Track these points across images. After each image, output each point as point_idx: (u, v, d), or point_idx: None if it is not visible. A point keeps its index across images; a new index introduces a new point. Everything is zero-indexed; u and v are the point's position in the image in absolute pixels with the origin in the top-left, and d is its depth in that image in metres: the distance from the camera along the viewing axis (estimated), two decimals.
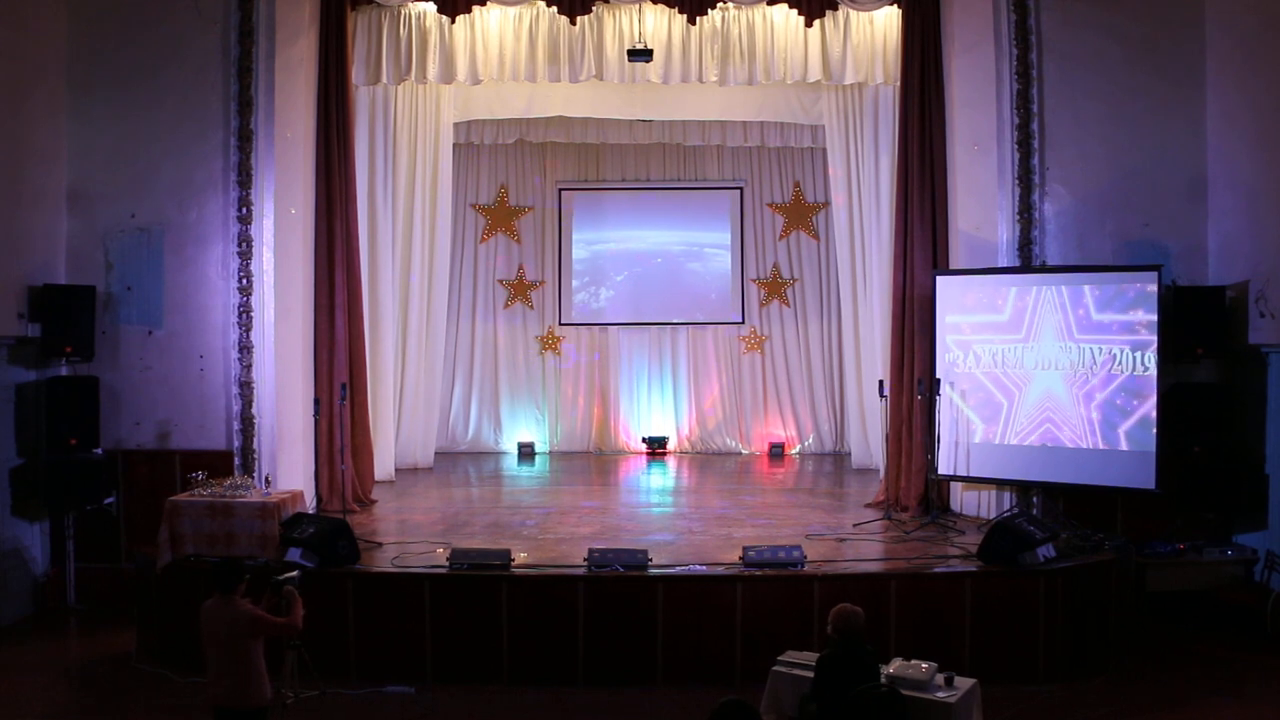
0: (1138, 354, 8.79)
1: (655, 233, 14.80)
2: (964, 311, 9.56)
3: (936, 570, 7.90)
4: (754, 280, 14.79)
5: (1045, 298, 9.17)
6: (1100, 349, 8.93)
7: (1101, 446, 8.92)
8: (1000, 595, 7.69)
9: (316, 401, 9.78)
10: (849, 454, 13.41)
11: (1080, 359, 9.04)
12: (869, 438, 12.62)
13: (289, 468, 9.77)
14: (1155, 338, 8.73)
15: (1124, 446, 8.85)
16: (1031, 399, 9.25)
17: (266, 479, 9.06)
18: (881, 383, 10.20)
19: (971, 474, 9.58)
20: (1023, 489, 9.45)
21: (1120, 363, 8.87)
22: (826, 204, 14.20)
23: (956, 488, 10.06)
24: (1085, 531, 8.60)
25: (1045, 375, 9.19)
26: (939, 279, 9.70)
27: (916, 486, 9.93)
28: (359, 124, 11.13)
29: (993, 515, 9.29)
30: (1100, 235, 9.43)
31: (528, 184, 14.86)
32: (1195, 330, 8.99)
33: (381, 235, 11.83)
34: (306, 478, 9.94)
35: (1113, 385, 8.90)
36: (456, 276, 14.45)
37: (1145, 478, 8.72)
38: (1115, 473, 8.83)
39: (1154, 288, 8.74)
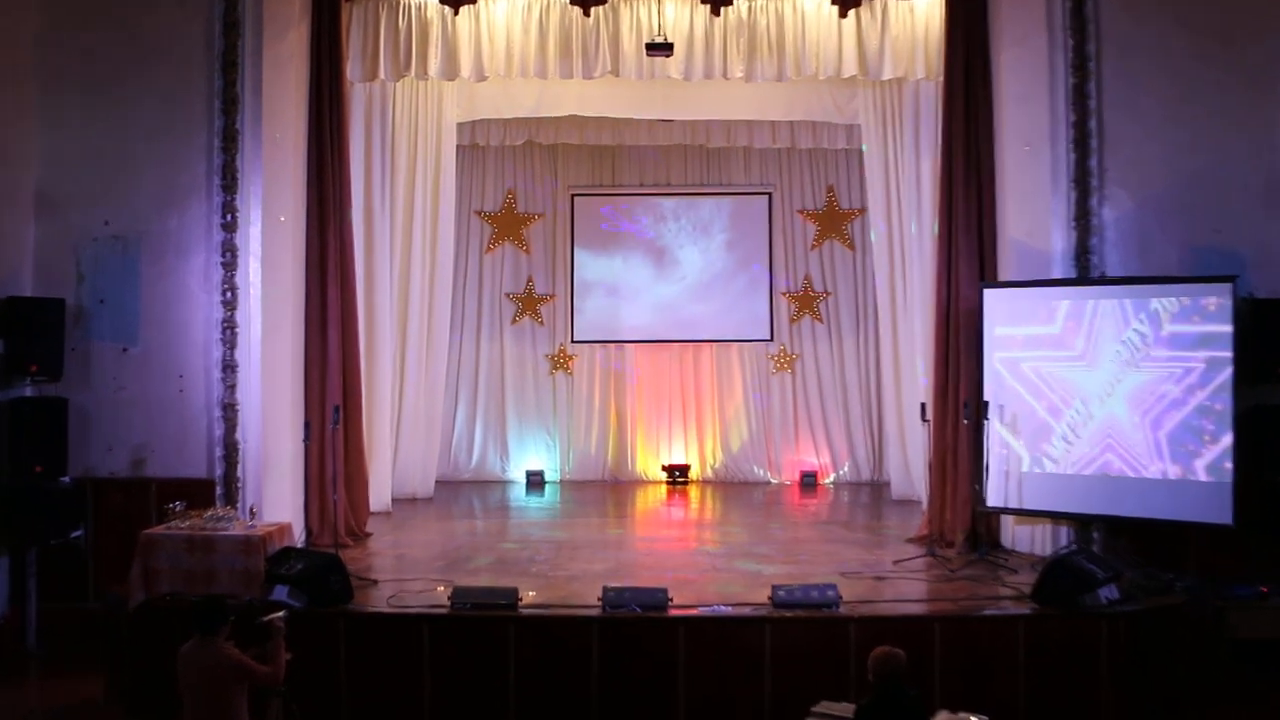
0: (1211, 374, 8.66)
1: (676, 241, 14.82)
2: (1014, 327, 9.52)
3: (986, 613, 7.84)
4: (784, 293, 14.78)
5: (1105, 312, 9.08)
6: (1168, 369, 8.82)
7: (1170, 476, 8.80)
8: (1057, 641, 7.60)
9: (307, 425, 9.76)
10: (888, 484, 13.35)
11: (1146, 380, 8.94)
12: (910, 466, 12.53)
13: (276, 498, 9.74)
14: (1230, 355, 8.59)
15: (1196, 476, 8.72)
16: (1091, 424, 9.16)
17: (251, 510, 9.01)
18: (923, 406, 10.12)
19: (1024, 506, 9.49)
20: (1082, 523, 9.34)
21: (1191, 384, 8.75)
22: (863, 210, 14.19)
23: (1007, 521, 10.00)
24: (1152, 570, 8.49)
25: (1106, 398, 9.10)
26: (987, 292, 9.68)
27: (963, 520, 9.86)
28: (354, 124, 11.16)
29: (1048, 552, 9.22)
30: (1165, 243, 9.33)
31: (537, 189, 14.91)
32: (1276, 347, 8.84)
33: (378, 244, 11.85)
34: (295, 509, 9.92)
35: (1183, 409, 8.77)
36: (460, 289, 14.48)
37: (1220, 511, 8.56)
38: (1186, 505, 8.68)
39: (1228, 300, 8.62)
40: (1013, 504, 9.54)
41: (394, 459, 12.64)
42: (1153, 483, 8.86)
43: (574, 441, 14.72)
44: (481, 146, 14.30)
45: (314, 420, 9.99)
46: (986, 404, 9.48)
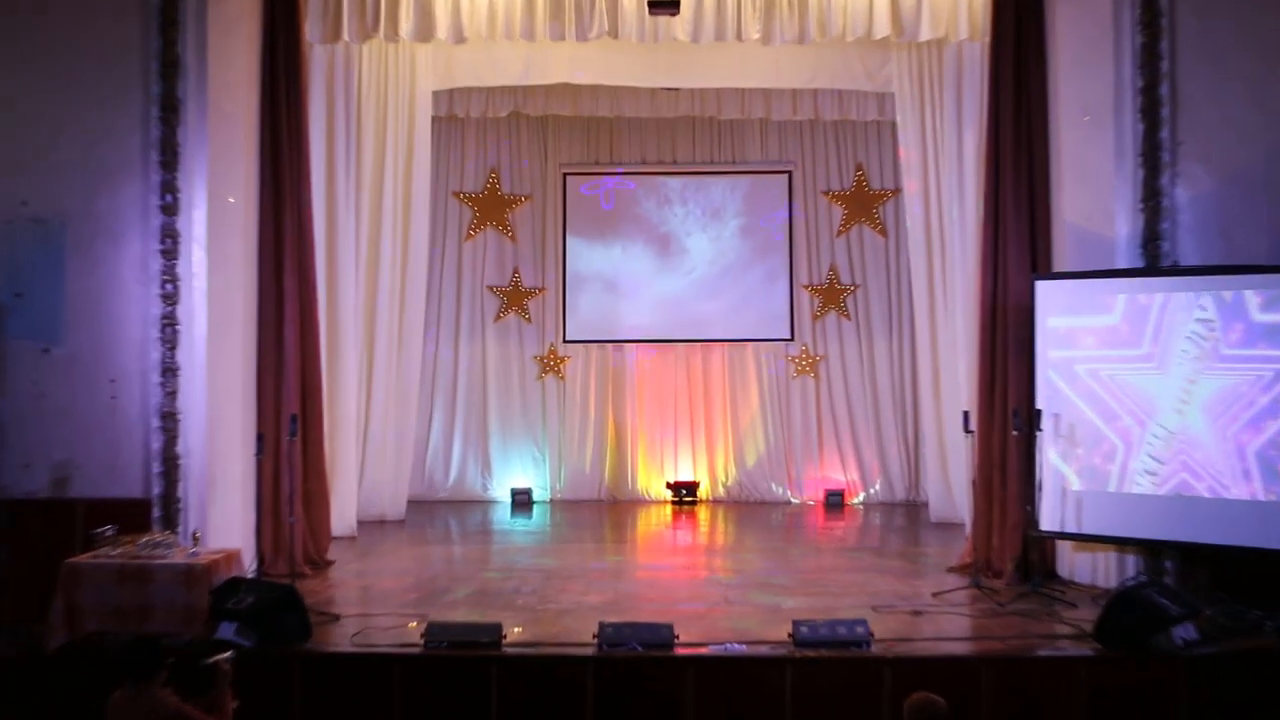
0: None
1: (683, 227, 14.86)
2: (1071, 324, 9.47)
3: (1041, 654, 7.78)
4: (806, 287, 14.84)
5: (1179, 307, 8.98)
6: (1256, 373, 8.68)
7: (1261, 498, 8.66)
8: (1124, 688, 7.51)
9: (259, 438, 9.62)
10: (925, 504, 13.43)
11: (1228, 386, 8.80)
12: (951, 484, 12.63)
13: (223, 521, 9.73)
14: None
15: None
16: (1163, 436, 9.07)
17: (194, 535, 8.92)
18: (966, 415, 10.05)
19: (1084, 530, 9.43)
20: (1152, 551, 9.25)
21: None
22: (896, 191, 14.29)
23: (1065, 548, 9.98)
24: (1237, 607, 8.39)
25: (1181, 406, 8.99)
26: (1039, 284, 9.64)
27: (1012, 546, 9.83)
28: (314, 93, 11.19)
29: (1113, 584, 9.19)
30: (1252, 227, 9.16)
31: (524, 168, 14.97)
32: None
33: (342, 231, 11.87)
34: (245, 533, 9.83)
35: (1275, 419, 8.63)
36: (436, 282, 14.58)
37: None
38: (1278, 532, 8.58)
39: None
40: (1070, 528, 9.46)
41: (360, 476, 12.67)
42: (1238, 505, 8.73)
43: (566, 456, 14.79)
44: (460, 119, 14.35)
45: (268, 432, 9.94)
46: (1039, 412, 9.45)
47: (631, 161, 14.83)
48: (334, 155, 11.75)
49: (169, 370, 9.41)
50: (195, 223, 9.52)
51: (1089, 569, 9.78)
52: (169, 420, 9.38)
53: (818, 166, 14.84)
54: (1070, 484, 9.42)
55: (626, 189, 14.80)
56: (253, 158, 10.19)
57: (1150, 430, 9.12)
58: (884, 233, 14.72)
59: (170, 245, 9.44)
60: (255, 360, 10.26)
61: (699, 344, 14.86)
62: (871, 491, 14.55)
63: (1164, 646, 7.62)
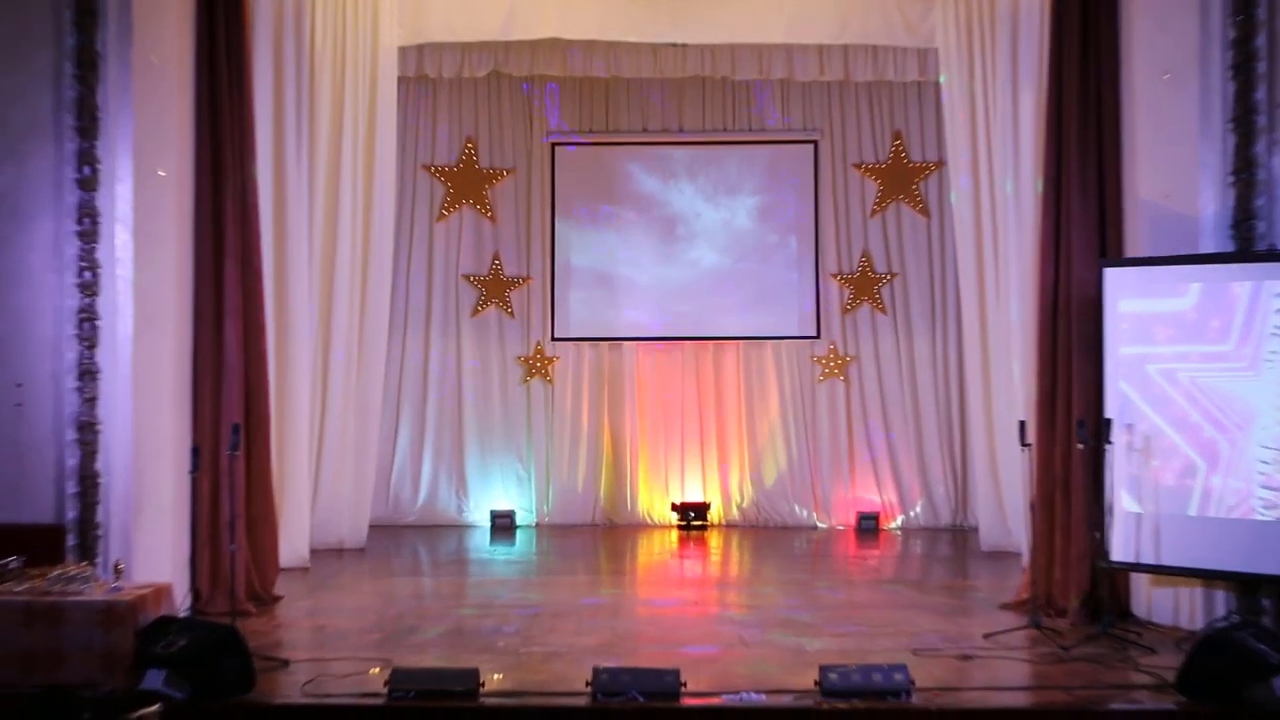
0: None
1: (691, 206, 14.80)
2: (1145, 319, 9.41)
3: (1114, 707, 7.62)
4: (835, 276, 14.83)
5: (1275, 298, 8.83)
6: None
7: None
8: None
9: (195, 452, 9.42)
10: (975, 530, 13.48)
11: None
12: (1005, 505, 12.62)
13: (151, 550, 9.62)
14: None
15: None
16: (1258, 451, 8.90)
17: (116, 567, 8.68)
18: (1022, 425, 9.91)
19: (1163, 562, 9.32)
20: (1246, 586, 9.08)
21: None
22: (940, 164, 14.33)
23: (1140, 582, 9.88)
24: None
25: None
26: (1108, 272, 9.58)
27: (1078, 579, 9.75)
28: (259, 47, 11.12)
29: (1199, 625, 9.11)
30: None
31: (506, 137, 15.00)
32: None
33: (293, 210, 11.82)
34: (177, 564, 9.71)
35: None
36: (403, 270, 14.62)
37: None
38: None
39: None
40: (1147, 558, 9.38)
41: (314, 496, 12.72)
42: None
43: (555, 472, 14.83)
44: (432, 79, 14.37)
45: (205, 445, 9.86)
46: (1109, 422, 9.40)
47: (631, 130, 14.82)
48: (283, 121, 11.67)
49: (87, 373, 9.29)
50: (119, 199, 9.40)
51: (1170, 607, 9.66)
52: (87, 432, 9.25)
53: (848, 135, 14.82)
54: (1146, 507, 9.34)
55: (626, 161, 14.82)
56: (187, 124, 10.12)
57: (1246, 443, 8.97)
58: (925, 212, 14.68)
59: (89, 226, 9.31)
60: (190, 361, 10.20)
61: (709, 342, 14.88)
62: (911, 515, 14.55)
63: (1262, 699, 7.43)
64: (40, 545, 8.80)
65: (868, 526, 14.30)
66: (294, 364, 11.93)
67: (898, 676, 7.60)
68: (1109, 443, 9.35)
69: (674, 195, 14.91)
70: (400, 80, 13.05)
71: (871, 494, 14.65)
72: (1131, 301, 9.43)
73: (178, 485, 9.80)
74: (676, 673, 7.67)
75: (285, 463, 11.69)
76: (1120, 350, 9.49)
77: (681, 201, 14.90)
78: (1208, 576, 9.25)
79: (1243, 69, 9.14)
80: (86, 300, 9.30)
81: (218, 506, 10.06)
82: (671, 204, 14.88)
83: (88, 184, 9.29)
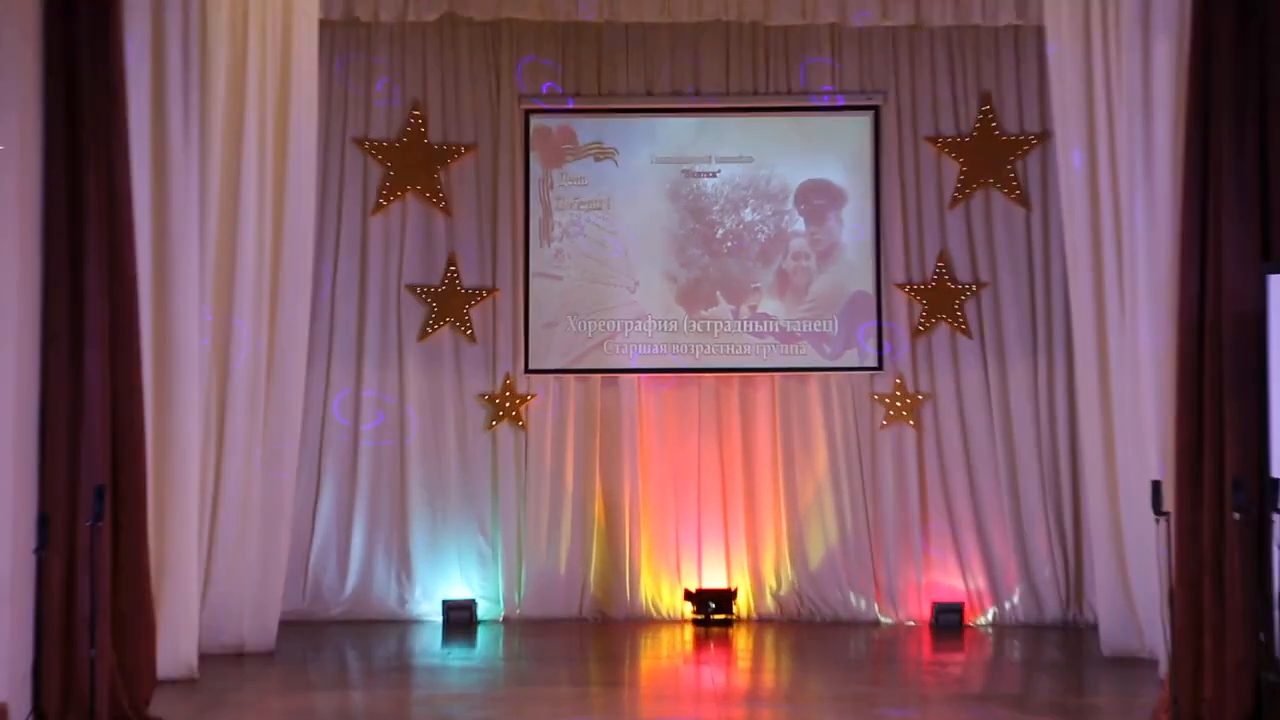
0: None
1: (709, 195, 13.44)
2: None
3: None
4: (903, 286, 13.43)
5: None
6: None
7: None
8: None
9: (43, 522, 8.84)
10: (1094, 627, 12.17)
11: None
12: (1134, 595, 11.35)
13: None
14: None
15: None
16: None
17: None
18: (1157, 487, 9.28)
19: None
20: None
21: None
22: (1043, 137, 12.98)
23: None
24: None
25: None
26: (1273, 281, 9.08)
27: (1237, 695, 8.93)
28: None
29: None
30: None
31: (466, 101, 13.61)
32: None
33: (178, 200, 10.80)
34: (16, 677, 8.98)
35: None
36: (326, 281, 13.28)
37: None
38: None
39: None
40: None
41: (205, 582, 11.54)
42: None
43: (530, 549, 13.42)
44: (366, 25, 13.09)
45: (57, 513, 9.14)
46: (1277, 483, 8.86)
47: (632, 94, 13.35)
48: (165, 83, 10.64)
49: None
50: None
51: None
52: None
53: (920, 99, 13.28)
54: None
55: (625, 134, 13.51)
56: (32, 86, 9.36)
57: None
58: (1024, 202, 13.05)
59: None
60: (36, 400, 9.40)
61: (734, 375, 13.34)
62: (1007, 607, 12.91)
63: None
64: None
65: (948, 622, 12.84)
66: (179, 405, 10.83)
67: None
68: (1277, 511, 8.84)
69: (688, 180, 13.44)
70: (323, 26, 11.95)
71: (952, 578, 13.02)
72: None
73: (16, 568, 9.14)
74: None
75: (166, 537, 10.68)
76: None
77: (697, 189, 13.40)
78: None
79: None
80: None
81: (73, 597, 9.26)
82: (685, 191, 13.34)
83: None
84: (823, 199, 13.57)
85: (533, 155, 13.52)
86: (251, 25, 11.39)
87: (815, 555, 13.35)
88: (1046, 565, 13.02)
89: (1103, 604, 11.81)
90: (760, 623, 13.22)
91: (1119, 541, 11.56)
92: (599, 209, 13.64)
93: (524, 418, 13.47)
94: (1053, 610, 12.95)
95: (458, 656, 12.23)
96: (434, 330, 13.45)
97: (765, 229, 13.58)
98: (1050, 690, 11.02)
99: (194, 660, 10.92)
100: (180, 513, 10.84)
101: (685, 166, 13.66)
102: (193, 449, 10.96)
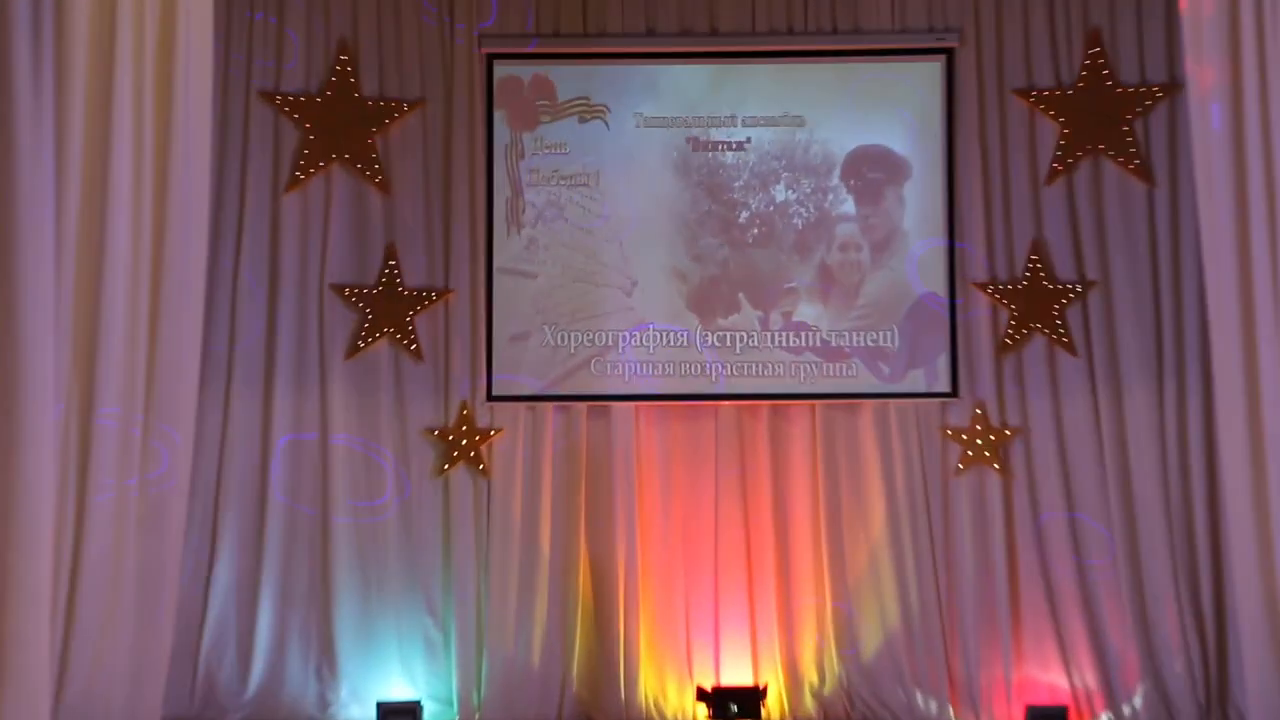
0: None
1: (728, 165, 11.78)
2: None
3: None
4: (982, 286, 11.59)
5: None
6: None
7: None
8: None
9: None
10: None
11: None
12: None
13: None
14: None
15: None
16: None
17: None
18: None
19: None
20: None
21: None
22: (1174, 89, 11.31)
23: None
24: None
25: None
26: None
27: None
28: None
29: None
30: None
31: (408, 44, 12.08)
32: None
33: (26, 177, 9.32)
34: None
35: None
36: (225, 279, 11.47)
37: None
38: None
39: None
40: None
41: (60, 677, 9.97)
42: None
43: (493, 633, 11.49)
44: None
45: None
46: None
47: (629, 35, 11.40)
48: (9, 21, 9.18)
49: None
50: None
51: None
52: None
53: (1007, 42, 11.32)
54: None
55: (620, 85, 11.76)
56: None
57: None
58: (1146, 175, 11.15)
59: None
60: None
61: (762, 403, 11.36)
62: (1126, 712, 10.84)
63: None
64: None
65: None
66: (26, 444, 9.28)
67: None
68: None
69: (700, 148, 11.58)
70: None
71: (1053, 674, 10.90)
72: None
73: None
74: None
75: (6, 618, 9.23)
76: None
77: (713, 159, 11.42)
78: None
79: None
80: None
81: None
82: (696, 164, 11.30)
83: None
84: (879, 172, 11.48)
85: (497, 114, 11.45)
86: None
87: (870, 642, 11.31)
88: (1178, 657, 11.01)
89: (1255, 707, 9.94)
90: None
91: (1276, 625, 9.86)
92: (584, 185, 11.51)
93: (485, 460, 11.40)
94: (1188, 712, 10.97)
95: None
96: (367, 344, 11.43)
97: (803, 212, 11.44)
98: None
99: None
100: (25, 589, 9.05)
101: (698, 130, 11.56)
102: (43, 505, 9.11)
